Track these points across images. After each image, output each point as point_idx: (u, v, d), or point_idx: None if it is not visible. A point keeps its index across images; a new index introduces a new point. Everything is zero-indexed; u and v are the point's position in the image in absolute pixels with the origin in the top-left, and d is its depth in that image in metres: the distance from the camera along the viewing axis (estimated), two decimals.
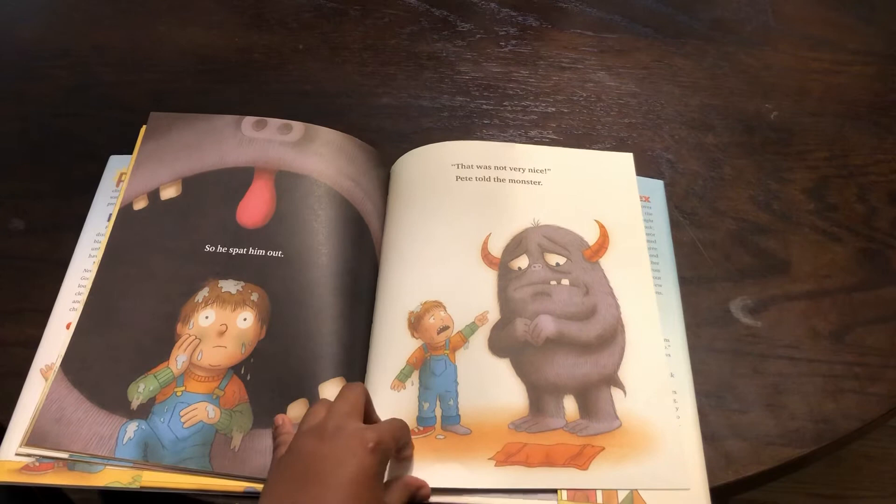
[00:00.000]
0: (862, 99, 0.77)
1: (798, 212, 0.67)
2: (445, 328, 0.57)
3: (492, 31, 0.83)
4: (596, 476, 0.51)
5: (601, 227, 0.63)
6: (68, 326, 0.57)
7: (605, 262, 0.61)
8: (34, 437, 0.52)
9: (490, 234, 0.62)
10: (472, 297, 0.59)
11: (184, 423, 0.52)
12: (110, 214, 0.64)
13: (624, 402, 0.54)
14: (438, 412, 0.53)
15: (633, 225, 0.63)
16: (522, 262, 0.61)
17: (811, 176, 0.70)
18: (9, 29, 0.83)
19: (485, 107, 0.75)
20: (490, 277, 0.60)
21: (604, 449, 0.52)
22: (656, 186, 0.68)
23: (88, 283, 0.59)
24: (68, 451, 0.51)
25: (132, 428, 0.52)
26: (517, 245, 0.61)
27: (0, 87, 0.77)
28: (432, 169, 0.66)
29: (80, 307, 0.58)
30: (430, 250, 0.61)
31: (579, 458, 0.51)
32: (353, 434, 0.45)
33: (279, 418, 0.51)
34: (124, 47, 0.80)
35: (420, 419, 0.53)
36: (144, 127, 0.68)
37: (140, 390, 0.54)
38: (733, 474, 0.53)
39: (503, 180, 0.66)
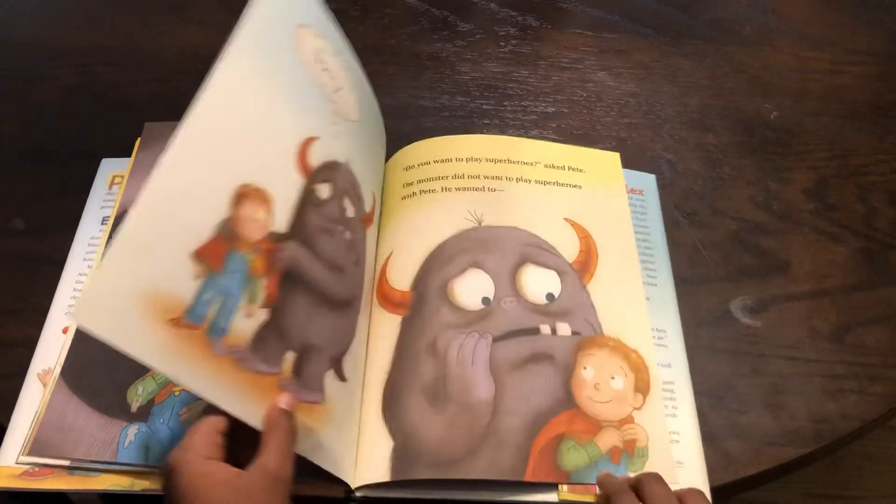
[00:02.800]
0: (862, 99, 0.77)
1: (798, 212, 0.67)
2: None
3: (492, 31, 0.83)
4: None
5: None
6: (65, 331, 0.57)
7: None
8: (36, 447, 0.51)
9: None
10: None
11: (182, 421, 0.52)
12: (104, 217, 0.64)
13: None
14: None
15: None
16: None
17: (811, 176, 0.70)
18: (9, 29, 0.83)
19: (485, 107, 0.75)
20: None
21: None
22: (649, 180, 0.68)
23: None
24: (70, 459, 0.51)
25: (133, 431, 0.52)
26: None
27: (0, 87, 0.77)
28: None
29: None
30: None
31: None
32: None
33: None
34: (124, 47, 0.80)
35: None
36: (139, 139, 0.68)
37: (139, 392, 0.54)
38: (733, 474, 0.53)
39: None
